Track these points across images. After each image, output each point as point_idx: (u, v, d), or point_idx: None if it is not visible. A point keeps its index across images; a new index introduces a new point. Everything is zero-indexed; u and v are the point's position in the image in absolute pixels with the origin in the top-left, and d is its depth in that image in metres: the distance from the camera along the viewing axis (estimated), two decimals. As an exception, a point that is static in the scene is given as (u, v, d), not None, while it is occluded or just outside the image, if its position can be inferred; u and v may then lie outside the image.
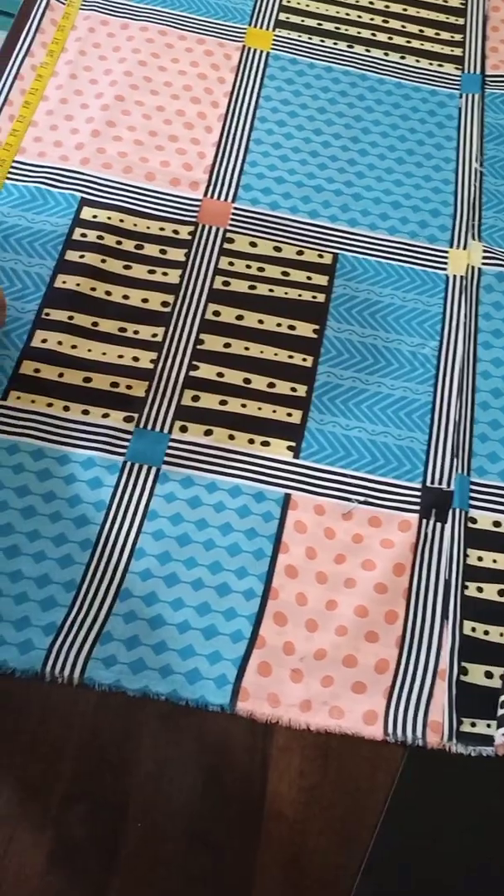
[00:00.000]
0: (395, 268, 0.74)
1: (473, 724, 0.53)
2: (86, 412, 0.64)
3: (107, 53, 0.83)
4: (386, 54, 0.88)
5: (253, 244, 0.74)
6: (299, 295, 0.72)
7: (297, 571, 0.59)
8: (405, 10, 0.91)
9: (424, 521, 0.62)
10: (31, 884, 0.47)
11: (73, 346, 0.67)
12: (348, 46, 0.87)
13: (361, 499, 0.62)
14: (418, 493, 0.63)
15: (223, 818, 0.50)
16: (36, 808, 0.49)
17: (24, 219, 0.72)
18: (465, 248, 0.76)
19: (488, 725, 0.53)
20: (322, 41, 0.87)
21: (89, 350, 0.67)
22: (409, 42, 0.89)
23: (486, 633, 0.57)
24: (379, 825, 0.50)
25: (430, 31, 0.90)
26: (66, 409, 0.64)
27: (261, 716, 0.53)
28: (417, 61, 0.88)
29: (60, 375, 0.65)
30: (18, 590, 0.56)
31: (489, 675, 0.55)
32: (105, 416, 0.64)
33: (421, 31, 0.90)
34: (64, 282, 0.69)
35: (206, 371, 0.67)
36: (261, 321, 0.70)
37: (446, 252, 0.76)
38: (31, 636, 0.54)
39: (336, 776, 0.52)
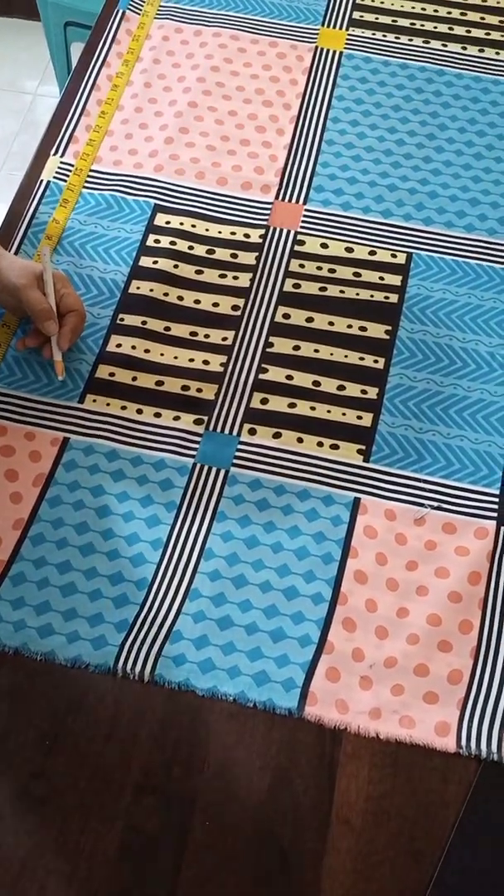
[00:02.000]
0: (473, 266, 0.74)
1: (552, 741, 0.52)
2: (158, 415, 0.67)
3: (180, 61, 0.87)
4: (464, 48, 0.87)
5: (324, 245, 0.75)
6: (371, 296, 0.72)
7: (367, 577, 0.59)
8: (484, 0, 0.90)
9: (502, 528, 0.61)
10: (102, 872, 0.49)
11: (146, 351, 0.70)
12: (424, 42, 0.88)
13: (434, 504, 0.62)
14: (496, 500, 0.63)
15: (290, 821, 0.51)
16: (109, 798, 0.51)
17: (100, 226, 0.76)
18: (547, 244, 0.74)
19: None
20: (397, 38, 0.88)
21: (161, 354, 0.70)
22: (488, 34, 0.88)
23: None
24: (450, 840, 0.50)
25: (511, 21, 0.89)
26: (139, 411, 0.67)
27: (329, 721, 0.54)
28: (497, 53, 0.87)
29: (134, 379, 0.68)
30: (93, 587, 0.59)
31: None
32: (176, 418, 0.67)
33: (502, 21, 0.89)
34: (138, 287, 0.73)
35: (276, 374, 0.69)
36: (331, 323, 0.71)
37: (527, 249, 0.75)
38: (104, 632, 0.57)
39: (406, 787, 0.52)
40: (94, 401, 0.67)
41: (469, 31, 0.89)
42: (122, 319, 0.71)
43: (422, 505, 0.62)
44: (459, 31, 0.89)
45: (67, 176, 0.79)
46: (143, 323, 0.71)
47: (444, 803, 0.51)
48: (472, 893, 0.49)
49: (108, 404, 0.67)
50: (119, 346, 0.70)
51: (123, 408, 0.67)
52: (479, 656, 0.56)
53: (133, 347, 0.70)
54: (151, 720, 0.54)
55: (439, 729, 0.54)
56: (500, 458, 0.64)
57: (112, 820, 0.51)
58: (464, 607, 0.58)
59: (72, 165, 0.80)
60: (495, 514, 0.62)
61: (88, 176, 0.79)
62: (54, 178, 0.79)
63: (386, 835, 0.51)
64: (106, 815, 0.51)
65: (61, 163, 0.80)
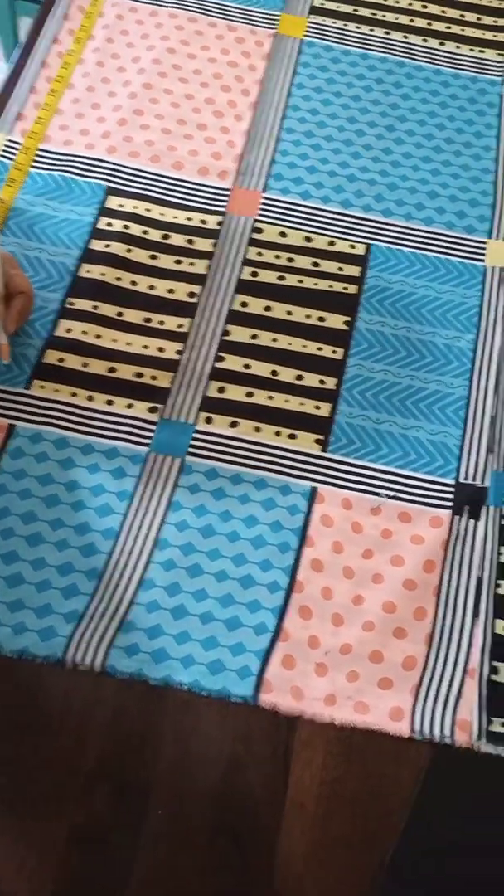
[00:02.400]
0: (431, 259, 0.80)
1: (504, 724, 0.58)
2: (110, 402, 0.70)
3: (135, 41, 0.91)
4: (425, 40, 0.94)
5: (283, 234, 0.80)
6: (330, 286, 0.78)
7: (323, 565, 0.64)
8: (445, -6, 0.98)
9: (457, 517, 0.67)
10: (53, 863, 0.52)
11: (98, 336, 0.73)
12: (385, 33, 0.94)
13: (391, 494, 0.67)
14: (451, 490, 0.68)
15: (246, 808, 0.55)
16: (61, 789, 0.54)
17: (49, 208, 0.80)
18: (504, 239, 0.81)
19: (519, 725, 0.57)
20: (358, 27, 0.94)
21: (114, 340, 0.73)
22: (448, 27, 0.95)
23: (519, 632, 0.61)
24: (403, 823, 0.55)
25: (471, 16, 0.96)
26: (90, 398, 0.70)
27: (284, 708, 0.58)
28: (458, 47, 0.94)
29: (85, 365, 0.72)
30: (40, 577, 0.62)
31: (521, 674, 0.60)
32: (129, 406, 0.70)
33: (462, 15, 0.96)
34: (89, 271, 0.76)
35: (233, 362, 0.73)
36: (289, 312, 0.76)
37: (484, 243, 0.81)
38: (52, 623, 0.60)
39: (360, 771, 0.56)
40: (43, 387, 0.70)
41: (430, 24, 0.95)
42: (72, 304, 0.74)
43: (378, 494, 0.67)
44: (420, 23, 0.95)
45: (14, 154, 0.82)
46: (95, 308, 0.74)
47: (397, 787, 0.56)
48: (424, 876, 0.54)
49: (57, 390, 0.70)
50: (69, 330, 0.73)
51: (74, 394, 0.70)
52: (433, 642, 0.61)
53: (84, 333, 0.73)
54: (103, 711, 0.57)
55: (393, 714, 0.59)
56: (455, 448, 0.70)
57: (64, 812, 0.53)
58: (418, 595, 0.63)
59: (19, 144, 0.83)
60: (450, 504, 0.67)
61: (36, 155, 0.82)
62: (0, 156, 0.82)
63: (340, 819, 0.55)
64: (58, 807, 0.54)
65: (8, 141, 0.83)
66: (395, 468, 0.69)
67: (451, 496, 0.68)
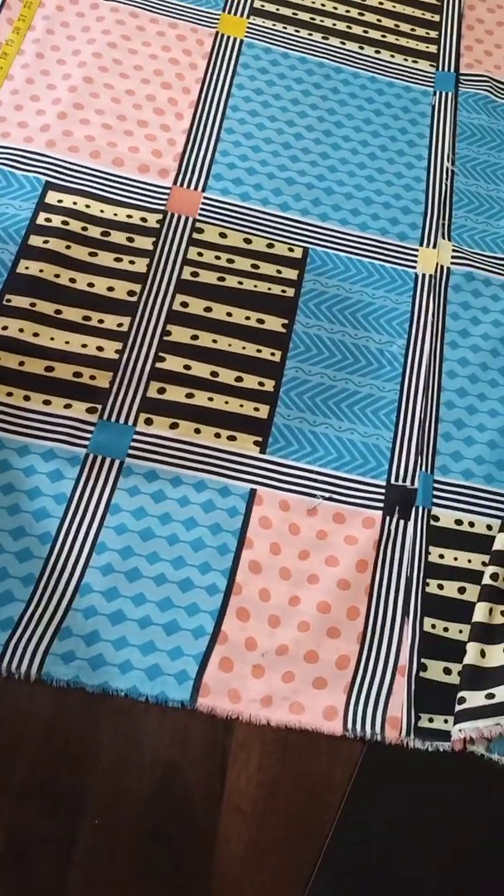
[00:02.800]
0: (365, 264, 0.76)
1: (431, 720, 0.55)
2: (47, 402, 0.64)
3: (75, 33, 0.83)
4: (361, 47, 0.89)
5: (223, 235, 0.75)
6: (269, 288, 0.73)
7: (261, 567, 0.60)
8: (381, 3, 0.93)
9: (388, 518, 0.64)
10: (-17, 881, 0.47)
11: (35, 334, 0.67)
12: (323, 38, 0.89)
13: (326, 495, 0.64)
14: (382, 491, 0.65)
15: (182, 813, 0.51)
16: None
17: (-15, 201, 0.72)
18: (434, 246, 0.78)
19: (445, 721, 0.55)
20: (297, 31, 0.89)
21: (52, 338, 0.67)
22: (384, 36, 0.91)
23: (446, 629, 0.59)
24: (336, 819, 0.52)
25: (405, 27, 0.92)
26: (27, 398, 0.64)
27: (221, 711, 0.55)
28: (392, 56, 0.89)
29: (21, 364, 0.65)
30: (-26, 583, 0.56)
31: (447, 671, 0.57)
32: (67, 406, 0.64)
33: (396, 25, 0.92)
34: (27, 267, 0.69)
35: (173, 363, 0.68)
36: (229, 314, 0.71)
37: (416, 250, 0.78)
38: (-14, 631, 0.55)
39: (295, 771, 0.53)
40: (-22, 386, 0.64)
41: (366, 32, 0.91)
42: (8, 301, 0.68)
43: (314, 496, 0.64)
44: (357, 30, 0.91)
45: (-50, 144, 0.74)
46: (32, 305, 0.68)
47: (330, 785, 0.53)
48: (356, 869, 0.52)
49: (-7, 390, 0.64)
50: (5, 328, 0.66)
51: (9, 394, 0.64)
52: (365, 641, 0.59)
53: (20, 330, 0.66)
54: (38, 720, 0.52)
55: (327, 713, 0.56)
56: (387, 450, 0.67)
57: (-4, 825, 0.49)
58: (351, 594, 0.60)
59: (-45, 133, 0.75)
60: (381, 505, 0.64)
61: (-27, 146, 0.75)
62: None
63: (276, 820, 0.52)
64: (-12, 822, 0.49)
65: None
66: (331, 470, 0.65)
67: (382, 497, 0.65)
